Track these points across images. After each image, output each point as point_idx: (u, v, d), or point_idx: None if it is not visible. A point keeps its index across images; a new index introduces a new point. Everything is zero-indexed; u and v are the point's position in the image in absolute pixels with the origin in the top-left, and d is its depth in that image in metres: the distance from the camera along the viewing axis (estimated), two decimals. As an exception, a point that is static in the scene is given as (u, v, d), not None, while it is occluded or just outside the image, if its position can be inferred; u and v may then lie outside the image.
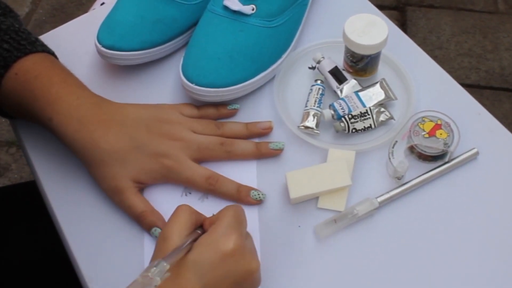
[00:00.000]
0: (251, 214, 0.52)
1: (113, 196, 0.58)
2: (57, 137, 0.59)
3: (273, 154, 0.61)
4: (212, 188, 0.58)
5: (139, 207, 0.57)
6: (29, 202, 0.74)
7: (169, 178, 0.59)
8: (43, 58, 0.61)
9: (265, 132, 0.63)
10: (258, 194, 0.58)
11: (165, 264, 0.42)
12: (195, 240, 0.48)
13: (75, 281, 0.57)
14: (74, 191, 0.60)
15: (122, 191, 0.57)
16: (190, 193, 0.60)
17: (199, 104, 0.65)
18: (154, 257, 0.48)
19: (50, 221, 0.61)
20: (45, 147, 0.63)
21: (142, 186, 0.59)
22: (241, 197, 0.58)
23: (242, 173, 0.60)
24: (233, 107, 0.65)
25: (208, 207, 0.58)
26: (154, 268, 0.41)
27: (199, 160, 0.60)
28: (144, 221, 0.57)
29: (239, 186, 0.59)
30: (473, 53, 1.71)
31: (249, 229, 0.51)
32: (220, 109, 0.65)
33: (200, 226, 0.51)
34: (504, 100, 1.61)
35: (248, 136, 0.63)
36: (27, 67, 0.59)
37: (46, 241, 0.70)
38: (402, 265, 0.55)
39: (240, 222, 0.49)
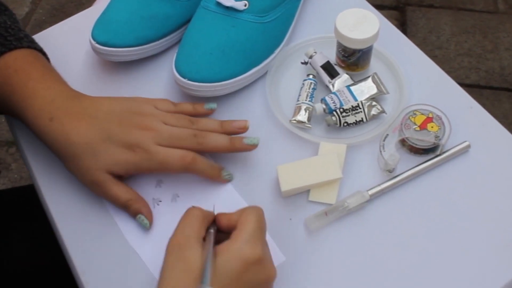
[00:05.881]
0: (241, 207, 0.52)
1: (94, 190, 0.58)
2: (32, 132, 0.59)
3: (247, 149, 0.59)
4: (188, 166, 0.56)
5: (123, 196, 0.57)
6: (26, 206, 0.74)
7: (142, 168, 0.57)
8: (27, 54, 0.61)
9: (240, 131, 0.60)
10: (228, 174, 0.60)
11: None
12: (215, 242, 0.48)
13: (73, 284, 0.57)
14: (71, 192, 0.60)
15: (101, 184, 0.56)
16: (163, 184, 0.60)
17: (193, 100, 0.64)
18: (168, 266, 0.46)
19: (47, 224, 0.61)
20: (43, 147, 0.63)
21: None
22: (215, 176, 0.59)
23: (222, 193, 0.60)
24: (209, 107, 0.63)
25: (180, 208, 0.54)
26: None
27: None
28: (130, 210, 0.57)
29: (213, 166, 0.59)
30: (473, 53, 1.71)
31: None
32: (197, 107, 0.62)
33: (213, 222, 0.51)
34: (504, 100, 1.61)
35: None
36: (9, 62, 0.60)
37: (43, 245, 0.70)
38: (393, 258, 0.55)
39: (262, 229, 0.49)
